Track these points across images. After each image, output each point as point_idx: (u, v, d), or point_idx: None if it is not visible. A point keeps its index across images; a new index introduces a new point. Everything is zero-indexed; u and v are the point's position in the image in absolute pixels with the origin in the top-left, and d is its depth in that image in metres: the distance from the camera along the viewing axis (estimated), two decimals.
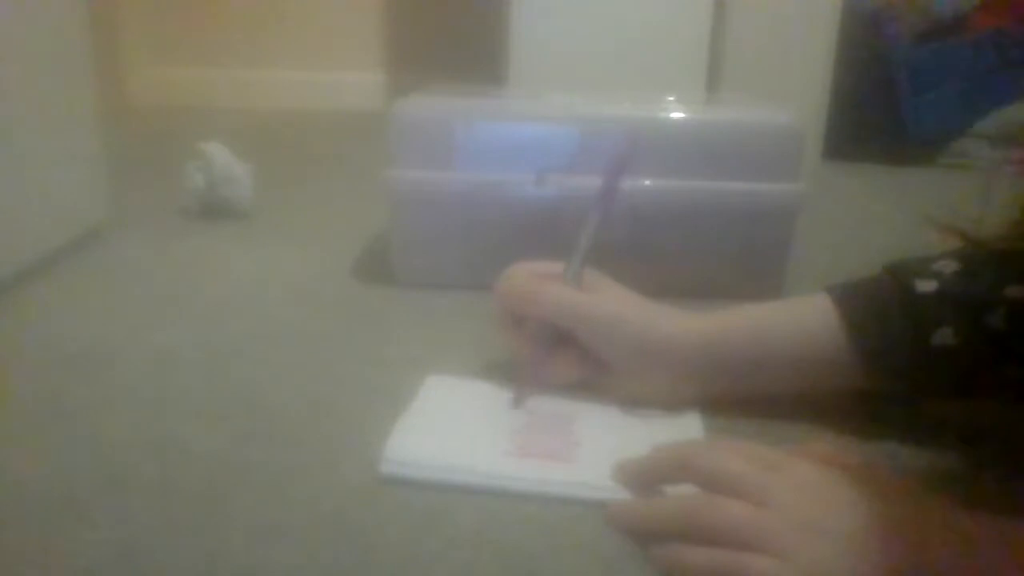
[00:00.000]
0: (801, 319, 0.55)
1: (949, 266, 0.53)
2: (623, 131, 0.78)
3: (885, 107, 1.62)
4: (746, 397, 0.56)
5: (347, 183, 1.30)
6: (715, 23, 1.51)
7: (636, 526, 0.43)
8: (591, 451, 0.50)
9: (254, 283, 0.83)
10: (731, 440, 0.46)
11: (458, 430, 0.53)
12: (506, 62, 1.51)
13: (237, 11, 2.29)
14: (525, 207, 0.78)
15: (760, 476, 0.40)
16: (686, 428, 0.54)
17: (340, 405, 0.57)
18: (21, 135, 0.80)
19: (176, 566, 0.40)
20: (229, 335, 0.70)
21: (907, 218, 1.18)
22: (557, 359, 0.57)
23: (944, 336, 0.51)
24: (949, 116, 1.61)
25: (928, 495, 0.40)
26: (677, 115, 0.83)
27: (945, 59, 1.60)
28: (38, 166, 0.83)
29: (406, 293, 0.80)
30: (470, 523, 0.44)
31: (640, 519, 0.43)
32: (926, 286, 0.52)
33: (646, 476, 0.45)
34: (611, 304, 0.56)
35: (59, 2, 0.87)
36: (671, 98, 0.92)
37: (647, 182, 0.77)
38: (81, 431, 0.53)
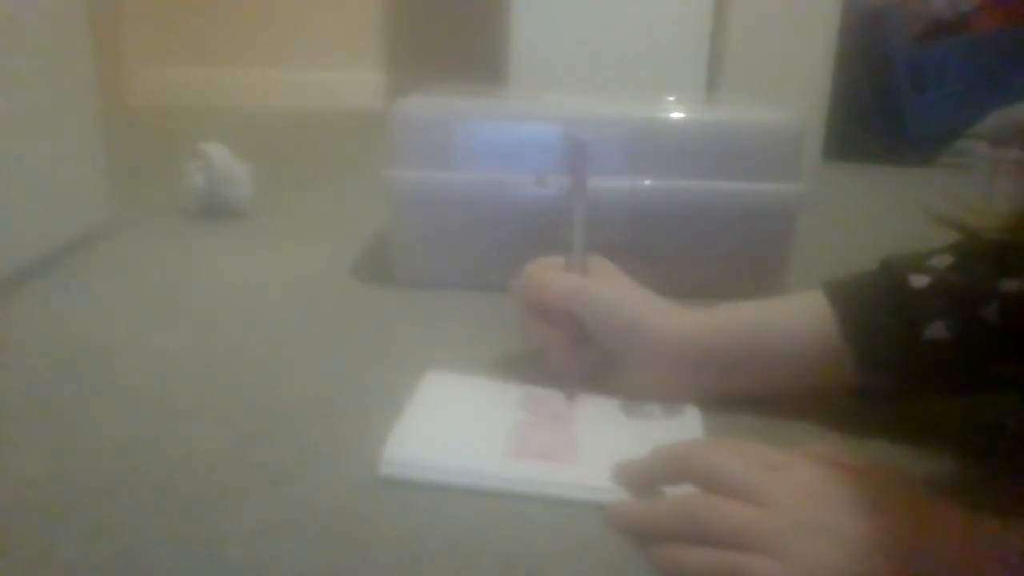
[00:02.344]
0: (795, 315, 0.56)
1: (944, 260, 0.53)
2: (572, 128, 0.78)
3: (885, 107, 1.62)
4: (742, 394, 0.56)
5: (347, 183, 1.30)
6: (715, 23, 1.51)
7: (637, 526, 0.43)
8: (591, 451, 0.50)
9: (254, 283, 0.83)
10: (731, 439, 0.46)
11: (458, 430, 0.52)
12: (506, 62, 1.51)
13: (237, 11, 2.29)
14: (525, 207, 0.78)
15: (760, 476, 0.40)
16: (686, 428, 0.54)
17: (340, 405, 0.57)
18: (21, 135, 0.80)
19: (176, 566, 0.40)
20: (229, 335, 0.70)
21: (907, 218, 1.18)
22: (585, 348, 0.58)
23: (937, 330, 0.51)
24: (949, 116, 1.61)
25: (929, 495, 0.40)
26: (677, 115, 0.83)
27: (945, 59, 1.61)
28: (38, 166, 0.83)
29: (406, 293, 0.80)
30: (470, 523, 0.44)
31: (641, 519, 0.43)
32: (920, 281, 0.52)
33: (646, 477, 0.45)
34: (612, 291, 0.57)
35: (59, 2, 0.87)
36: (671, 98, 0.92)
37: (647, 182, 0.77)
38: (81, 431, 0.53)
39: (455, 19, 2.26)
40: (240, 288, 0.82)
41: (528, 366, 0.62)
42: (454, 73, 1.72)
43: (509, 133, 0.80)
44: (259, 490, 0.46)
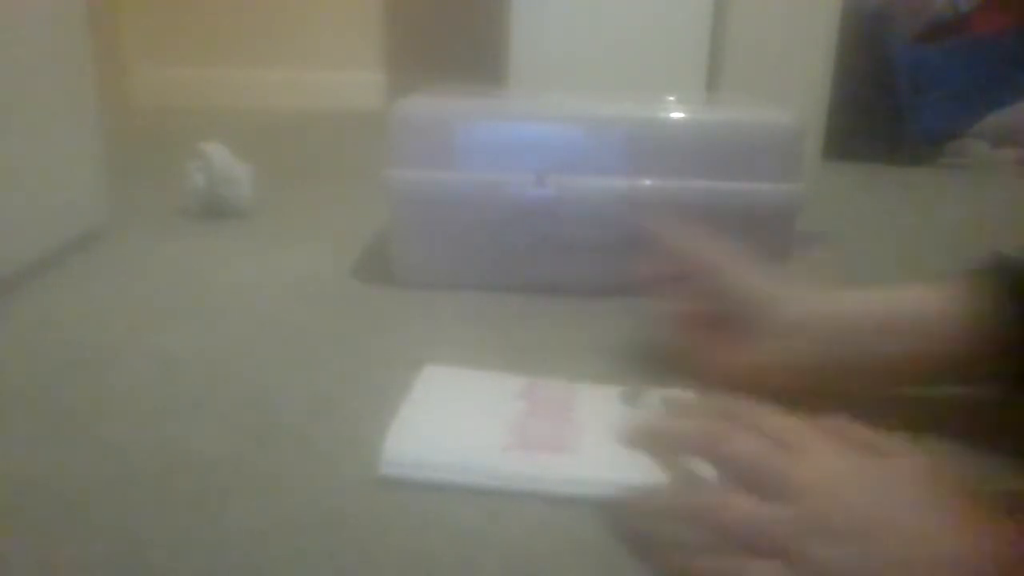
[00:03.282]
0: (929, 299, 0.54)
1: None
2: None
3: (885, 107, 1.62)
4: (863, 380, 0.55)
5: (347, 183, 1.30)
6: (715, 23, 1.51)
7: (650, 511, 0.42)
8: (591, 442, 0.50)
9: (254, 283, 0.83)
10: (755, 406, 0.43)
11: (457, 424, 0.52)
12: (506, 62, 1.51)
13: (237, 11, 2.29)
14: (525, 207, 0.78)
15: (778, 464, 0.39)
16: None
17: (340, 405, 0.57)
18: (21, 135, 0.80)
19: (176, 566, 0.40)
20: (229, 335, 0.69)
21: (907, 218, 1.18)
22: (717, 343, 0.59)
23: None
24: (949, 116, 1.61)
25: (959, 484, 0.37)
26: (677, 115, 0.83)
27: (945, 59, 1.61)
28: (39, 166, 0.83)
29: (406, 293, 0.80)
30: (470, 522, 0.44)
31: (650, 513, 0.42)
32: None
33: (665, 443, 0.43)
34: (753, 277, 0.60)
35: (59, 2, 0.87)
36: (671, 98, 0.92)
37: (647, 182, 0.77)
38: (81, 431, 0.53)
39: (455, 19, 2.26)
40: (240, 288, 0.82)
41: (528, 366, 0.62)
42: (454, 73, 1.72)
43: (509, 133, 0.80)
44: (259, 489, 0.46)
